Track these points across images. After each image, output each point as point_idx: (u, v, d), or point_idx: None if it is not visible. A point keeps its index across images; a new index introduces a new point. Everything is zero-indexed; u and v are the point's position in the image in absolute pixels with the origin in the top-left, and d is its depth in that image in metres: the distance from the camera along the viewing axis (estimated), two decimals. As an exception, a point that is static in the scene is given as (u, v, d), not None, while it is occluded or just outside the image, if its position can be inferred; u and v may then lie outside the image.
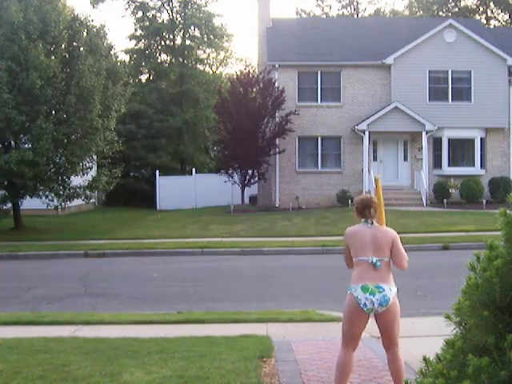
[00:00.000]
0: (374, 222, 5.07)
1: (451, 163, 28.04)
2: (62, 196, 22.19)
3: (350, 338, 4.93)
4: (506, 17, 51.98)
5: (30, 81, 19.61)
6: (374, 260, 4.88)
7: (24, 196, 21.96)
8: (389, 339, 4.98)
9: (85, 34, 22.15)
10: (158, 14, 48.15)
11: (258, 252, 17.12)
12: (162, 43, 48.34)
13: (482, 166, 28.16)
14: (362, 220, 5.07)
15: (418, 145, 27.83)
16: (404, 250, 5.01)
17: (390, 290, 4.86)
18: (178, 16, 47.93)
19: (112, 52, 24.07)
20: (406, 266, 4.96)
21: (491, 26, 45.85)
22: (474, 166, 27.96)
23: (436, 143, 28.12)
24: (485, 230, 17.87)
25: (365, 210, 5.08)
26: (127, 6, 47.79)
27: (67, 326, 8.38)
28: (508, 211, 3.05)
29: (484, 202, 25.51)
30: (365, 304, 4.80)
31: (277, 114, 27.41)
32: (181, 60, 47.36)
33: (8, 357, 6.50)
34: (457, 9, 51.26)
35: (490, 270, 2.92)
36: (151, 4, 47.73)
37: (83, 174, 22.38)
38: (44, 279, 13.79)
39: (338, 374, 4.94)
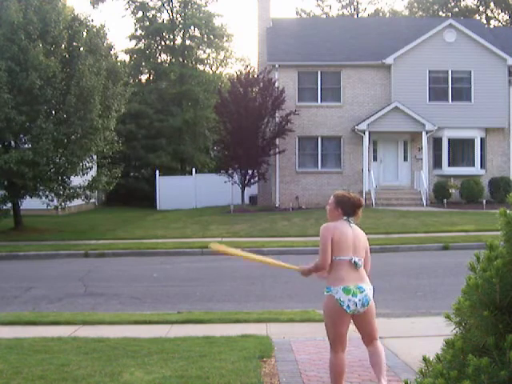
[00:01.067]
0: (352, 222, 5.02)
1: (451, 163, 28.04)
2: (62, 196, 22.18)
3: (338, 341, 4.87)
4: (506, 17, 51.99)
5: (30, 81, 19.60)
6: (356, 259, 4.82)
7: (24, 196, 21.95)
8: (371, 335, 4.94)
9: (85, 34, 22.13)
10: (158, 14, 48.24)
11: (258, 252, 17.05)
12: (162, 43, 48.38)
13: (482, 166, 28.16)
14: (344, 218, 5.00)
15: (418, 145, 27.84)
16: None
17: (369, 289, 4.84)
18: (178, 16, 47.96)
19: (112, 52, 24.04)
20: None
21: (491, 26, 45.85)
22: (474, 165, 27.96)
23: (436, 143, 28.13)
24: (485, 230, 17.88)
25: (354, 208, 5.02)
26: (127, 6, 47.89)
27: (67, 326, 8.37)
28: (508, 211, 3.05)
29: (484, 201, 25.51)
30: (348, 306, 4.74)
31: (277, 114, 27.41)
32: (181, 60, 47.39)
33: (8, 357, 6.50)
34: (457, 9, 51.27)
35: (489, 270, 2.92)
36: (151, 4, 47.82)
37: (83, 174, 22.37)
38: (44, 279, 13.79)
39: (334, 378, 4.91)
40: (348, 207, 5.02)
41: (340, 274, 4.82)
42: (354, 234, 4.93)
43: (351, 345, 5.98)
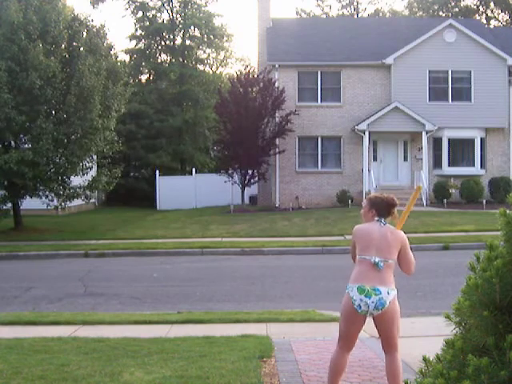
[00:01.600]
0: (388, 222, 4.95)
1: (451, 163, 28.04)
2: (61, 196, 22.18)
3: (346, 338, 4.84)
4: (506, 17, 51.98)
5: (30, 81, 19.60)
6: (377, 260, 4.72)
7: (24, 196, 21.95)
8: (387, 343, 4.84)
9: (85, 33, 22.14)
10: (158, 14, 48.24)
11: (258, 252, 17.12)
12: (162, 43, 48.38)
13: (482, 166, 28.16)
14: (376, 219, 4.95)
15: (418, 145, 27.83)
16: (412, 255, 4.90)
17: (388, 294, 4.70)
18: (178, 16, 47.96)
19: (112, 52, 24.04)
20: (413, 271, 4.89)
21: (491, 26, 45.84)
22: (474, 166, 27.96)
23: (436, 143, 28.13)
24: (485, 230, 17.88)
25: (388, 209, 4.97)
26: (127, 6, 47.88)
27: (67, 326, 8.37)
28: (508, 211, 3.05)
29: (484, 201, 25.50)
30: (359, 306, 4.68)
31: (277, 114, 27.41)
32: (181, 60, 47.39)
33: (8, 357, 6.50)
34: (457, 9, 51.26)
35: (489, 270, 2.92)
36: (151, 4, 47.82)
37: (83, 174, 22.37)
38: (44, 279, 13.79)
39: (330, 375, 4.87)
40: (382, 208, 4.98)
41: (359, 272, 4.78)
42: (381, 234, 4.83)
43: (351, 345, 5.97)
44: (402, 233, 4.97)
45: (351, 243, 5.03)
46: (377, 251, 4.78)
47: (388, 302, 4.70)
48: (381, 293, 4.69)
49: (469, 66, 27.75)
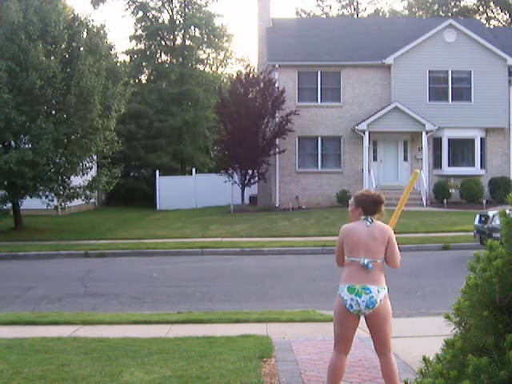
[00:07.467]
0: (375, 219, 4.88)
1: (451, 163, 28.04)
2: (61, 196, 22.18)
3: (341, 340, 4.81)
4: (506, 17, 51.96)
5: (30, 81, 19.61)
6: (366, 261, 4.70)
7: (24, 196, 21.95)
8: (381, 343, 4.81)
9: (85, 34, 22.14)
10: (159, 15, 48.23)
11: (258, 252, 17.12)
12: (163, 43, 48.38)
13: (482, 166, 28.16)
14: (362, 217, 4.88)
15: (418, 145, 27.84)
16: (398, 249, 4.87)
17: (378, 292, 4.69)
18: (179, 16, 47.97)
19: (112, 52, 24.03)
20: (399, 265, 4.86)
21: (491, 26, 45.83)
22: (474, 166, 27.96)
23: (436, 143, 28.13)
24: (485, 230, 17.84)
25: (375, 206, 4.88)
26: (127, 7, 47.84)
27: (67, 326, 8.37)
28: (508, 211, 3.05)
29: (484, 202, 25.49)
30: (350, 305, 4.68)
31: (277, 114, 27.41)
32: (181, 60, 47.38)
33: (8, 357, 6.50)
34: (457, 9, 51.24)
35: (489, 270, 2.92)
36: (151, 4, 47.81)
37: (83, 174, 22.38)
38: (44, 279, 13.80)
39: (330, 379, 4.82)
40: (368, 205, 4.89)
41: (349, 273, 4.77)
42: (368, 234, 4.77)
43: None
44: (388, 226, 4.91)
45: (337, 242, 4.94)
46: (365, 252, 4.75)
47: (379, 301, 4.70)
48: (371, 291, 4.68)
49: (469, 65, 27.74)
